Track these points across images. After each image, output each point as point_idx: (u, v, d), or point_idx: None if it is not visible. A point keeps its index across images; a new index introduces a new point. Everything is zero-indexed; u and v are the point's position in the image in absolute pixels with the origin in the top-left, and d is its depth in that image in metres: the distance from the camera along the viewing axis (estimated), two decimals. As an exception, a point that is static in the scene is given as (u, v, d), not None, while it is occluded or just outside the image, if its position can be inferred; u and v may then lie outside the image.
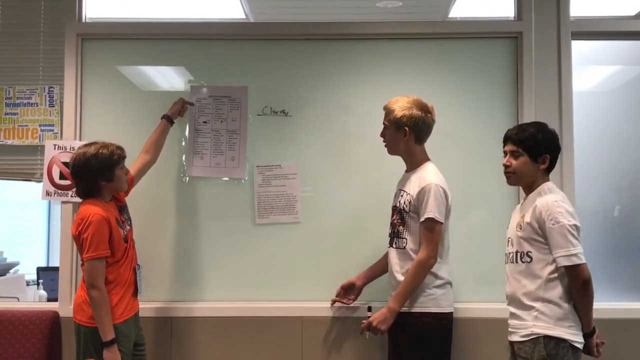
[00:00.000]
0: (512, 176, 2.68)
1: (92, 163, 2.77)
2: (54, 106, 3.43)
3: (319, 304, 3.25)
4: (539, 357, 2.49)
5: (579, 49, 3.42)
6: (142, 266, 3.00)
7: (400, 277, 2.83)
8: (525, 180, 2.67)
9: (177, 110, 3.27)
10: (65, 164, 3.26)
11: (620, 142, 3.48)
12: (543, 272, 2.53)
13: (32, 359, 3.20)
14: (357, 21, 3.50)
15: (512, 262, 2.64)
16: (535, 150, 2.62)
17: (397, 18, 3.58)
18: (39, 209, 6.23)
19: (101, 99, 3.43)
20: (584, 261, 2.48)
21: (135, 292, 2.92)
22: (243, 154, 3.39)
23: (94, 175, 2.79)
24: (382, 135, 2.95)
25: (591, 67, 3.60)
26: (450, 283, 2.88)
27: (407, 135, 2.86)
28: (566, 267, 2.48)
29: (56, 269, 3.45)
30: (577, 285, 2.49)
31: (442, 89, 3.37)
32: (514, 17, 3.45)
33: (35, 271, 4.89)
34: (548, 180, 2.67)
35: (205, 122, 3.40)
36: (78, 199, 2.92)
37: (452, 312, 2.87)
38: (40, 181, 3.38)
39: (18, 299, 3.95)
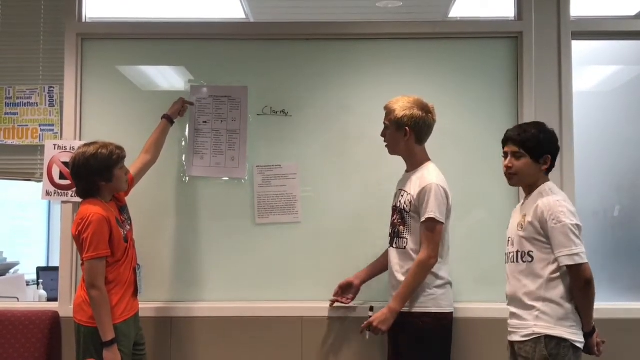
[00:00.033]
0: (514, 177, 2.67)
1: (91, 163, 2.77)
2: (54, 106, 3.43)
3: (318, 304, 3.24)
4: (540, 357, 2.49)
5: (579, 49, 3.42)
6: (142, 266, 3.00)
7: (401, 277, 2.83)
8: (527, 181, 2.67)
9: (177, 110, 3.27)
10: (65, 163, 3.26)
11: (620, 142, 3.48)
12: (544, 271, 2.53)
13: (32, 359, 3.20)
14: (357, 21, 3.51)
15: (513, 261, 2.64)
16: (537, 150, 2.62)
17: (397, 18, 3.58)
18: (39, 209, 6.23)
19: (101, 99, 3.43)
20: (586, 260, 2.48)
21: (135, 292, 2.92)
22: (243, 154, 3.39)
23: (93, 176, 2.79)
24: (383, 135, 2.95)
25: (591, 67, 3.60)
26: (450, 283, 2.88)
27: (408, 135, 2.86)
28: (568, 266, 2.48)
29: (56, 269, 3.45)
30: (579, 285, 2.49)
31: (442, 89, 3.37)
32: (514, 17, 3.45)
33: (35, 271, 4.89)
34: (548, 180, 2.67)
35: (205, 122, 3.40)
36: (78, 199, 2.92)
37: (452, 312, 2.87)
38: (40, 181, 3.38)
39: (18, 299, 3.95)
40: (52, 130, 3.42)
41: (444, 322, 2.83)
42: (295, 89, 3.42)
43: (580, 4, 3.44)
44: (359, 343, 3.18)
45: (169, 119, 3.23)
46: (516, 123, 3.17)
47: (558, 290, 2.52)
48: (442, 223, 2.80)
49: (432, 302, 2.80)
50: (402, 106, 2.87)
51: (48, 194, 3.35)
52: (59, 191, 3.34)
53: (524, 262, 2.59)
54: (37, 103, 3.43)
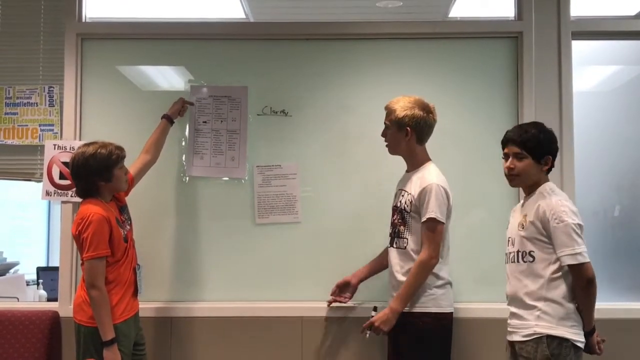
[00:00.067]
0: (516, 179, 2.66)
1: (90, 163, 2.77)
2: (53, 106, 3.42)
3: (318, 304, 3.24)
4: (541, 356, 2.49)
5: (579, 49, 3.42)
6: (142, 266, 3.00)
7: (401, 277, 2.83)
8: (528, 181, 2.66)
9: (177, 110, 3.27)
10: (65, 163, 3.26)
11: (620, 142, 3.49)
12: (545, 271, 2.53)
13: (32, 359, 3.20)
14: (357, 21, 3.51)
15: (514, 261, 2.64)
16: (538, 151, 2.62)
17: (397, 18, 3.58)
18: (39, 209, 6.23)
19: (101, 99, 3.43)
20: (588, 260, 2.49)
21: (135, 292, 2.91)
22: (243, 154, 3.38)
23: (93, 175, 2.78)
24: (384, 135, 2.95)
25: (591, 67, 3.60)
26: (450, 283, 2.88)
27: (409, 135, 2.86)
28: (570, 265, 2.48)
29: (56, 268, 3.45)
30: (581, 284, 2.49)
31: (442, 89, 3.37)
32: (514, 17, 3.45)
33: (35, 271, 4.89)
34: (548, 180, 2.67)
35: (205, 122, 3.40)
36: (78, 199, 2.92)
37: (452, 312, 2.87)
38: (40, 181, 3.38)
39: (18, 299, 3.95)
40: (52, 130, 3.42)
41: (444, 322, 2.83)
42: (295, 89, 3.42)
43: (580, 4, 3.44)
44: (359, 343, 3.18)
45: (169, 119, 3.23)
46: (516, 123, 3.18)
47: (559, 290, 2.52)
48: (443, 223, 2.80)
49: (432, 302, 2.80)
50: (403, 106, 2.86)
51: (48, 194, 3.35)
52: (59, 191, 3.34)
53: (524, 262, 2.59)
54: (37, 103, 3.43)
